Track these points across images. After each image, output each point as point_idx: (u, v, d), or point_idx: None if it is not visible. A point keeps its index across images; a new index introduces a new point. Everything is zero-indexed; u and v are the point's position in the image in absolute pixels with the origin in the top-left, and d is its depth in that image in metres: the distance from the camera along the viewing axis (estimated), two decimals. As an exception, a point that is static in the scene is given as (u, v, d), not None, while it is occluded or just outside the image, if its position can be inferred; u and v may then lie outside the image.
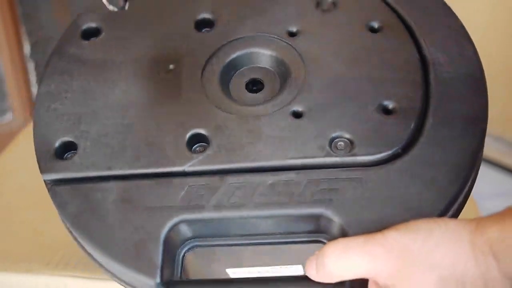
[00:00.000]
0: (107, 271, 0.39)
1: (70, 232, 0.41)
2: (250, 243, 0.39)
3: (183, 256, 0.39)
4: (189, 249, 0.39)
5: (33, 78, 1.33)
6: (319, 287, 0.35)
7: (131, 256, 0.37)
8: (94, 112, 0.43)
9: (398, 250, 0.33)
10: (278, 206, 0.38)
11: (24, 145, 0.72)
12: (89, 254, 0.40)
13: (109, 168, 0.40)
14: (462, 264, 0.32)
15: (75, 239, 0.41)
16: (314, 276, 0.35)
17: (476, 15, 1.39)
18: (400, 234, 0.33)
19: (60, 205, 0.40)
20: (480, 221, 0.33)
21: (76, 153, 0.41)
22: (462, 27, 0.45)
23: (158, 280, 0.36)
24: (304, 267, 0.39)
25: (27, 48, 1.29)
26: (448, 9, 0.46)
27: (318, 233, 0.39)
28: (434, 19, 0.45)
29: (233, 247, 0.40)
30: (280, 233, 0.39)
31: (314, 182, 0.38)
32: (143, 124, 0.42)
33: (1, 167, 0.68)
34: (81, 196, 0.40)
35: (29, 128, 0.76)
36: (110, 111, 0.43)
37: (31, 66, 1.32)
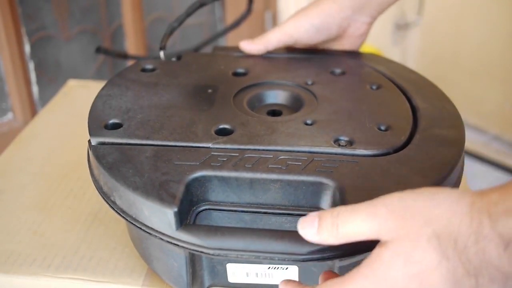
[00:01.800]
0: (132, 215, 0.45)
1: (100, 188, 0.47)
2: (257, 211, 0.44)
3: (196, 215, 0.44)
4: (202, 210, 0.45)
5: (33, 78, 1.33)
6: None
7: (155, 190, 0.43)
8: (141, 107, 0.53)
9: (400, 209, 0.35)
10: (286, 172, 0.44)
11: (24, 145, 0.72)
12: (113, 202, 0.46)
13: (147, 138, 0.49)
14: (458, 221, 0.33)
15: (103, 193, 0.47)
16: (313, 235, 0.38)
17: (476, 15, 1.39)
18: (403, 196, 0.36)
19: (99, 157, 0.47)
20: (484, 190, 0.35)
21: (122, 128, 0.50)
22: (442, 92, 0.57)
23: (175, 209, 0.41)
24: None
25: (27, 48, 1.29)
26: (430, 82, 0.59)
27: (318, 208, 0.44)
28: (420, 87, 0.58)
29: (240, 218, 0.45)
30: (285, 205, 0.45)
31: (318, 161, 0.46)
32: (180, 117, 0.52)
33: (1, 167, 0.68)
34: (119, 152, 0.47)
35: (30, 128, 0.76)
36: (154, 108, 0.53)
37: (31, 66, 1.32)
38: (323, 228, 0.37)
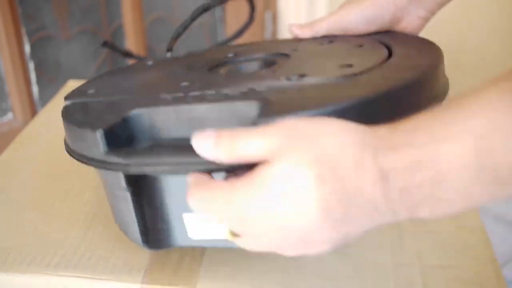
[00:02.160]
0: (76, 150, 0.48)
1: (65, 142, 0.51)
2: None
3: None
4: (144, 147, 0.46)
5: (33, 78, 1.34)
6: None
7: (92, 122, 0.45)
8: (119, 84, 0.56)
9: (291, 131, 0.35)
10: (220, 100, 0.43)
11: (25, 145, 0.72)
12: (67, 145, 0.50)
13: (111, 95, 0.52)
14: (339, 150, 0.34)
15: (66, 144, 0.51)
16: (208, 150, 0.38)
17: (476, 15, 1.39)
18: (300, 121, 0.36)
19: (64, 112, 0.51)
20: (377, 126, 0.35)
21: (92, 91, 0.54)
22: (436, 47, 0.52)
23: (102, 131, 0.43)
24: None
25: (27, 48, 1.30)
26: (432, 42, 0.53)
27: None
28: (413, 44, 0.53)
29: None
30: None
31: (258, 91, 0.44)
32: (149, 84, 0.55)
33: (1, 167, 0.68)
34: (81, 106, 0.52)
35: (30, 128, 0.76)
36: (132, 83, 0.56)
37: (31, 66, 1.32)
38: (219, 145, 0.37)
